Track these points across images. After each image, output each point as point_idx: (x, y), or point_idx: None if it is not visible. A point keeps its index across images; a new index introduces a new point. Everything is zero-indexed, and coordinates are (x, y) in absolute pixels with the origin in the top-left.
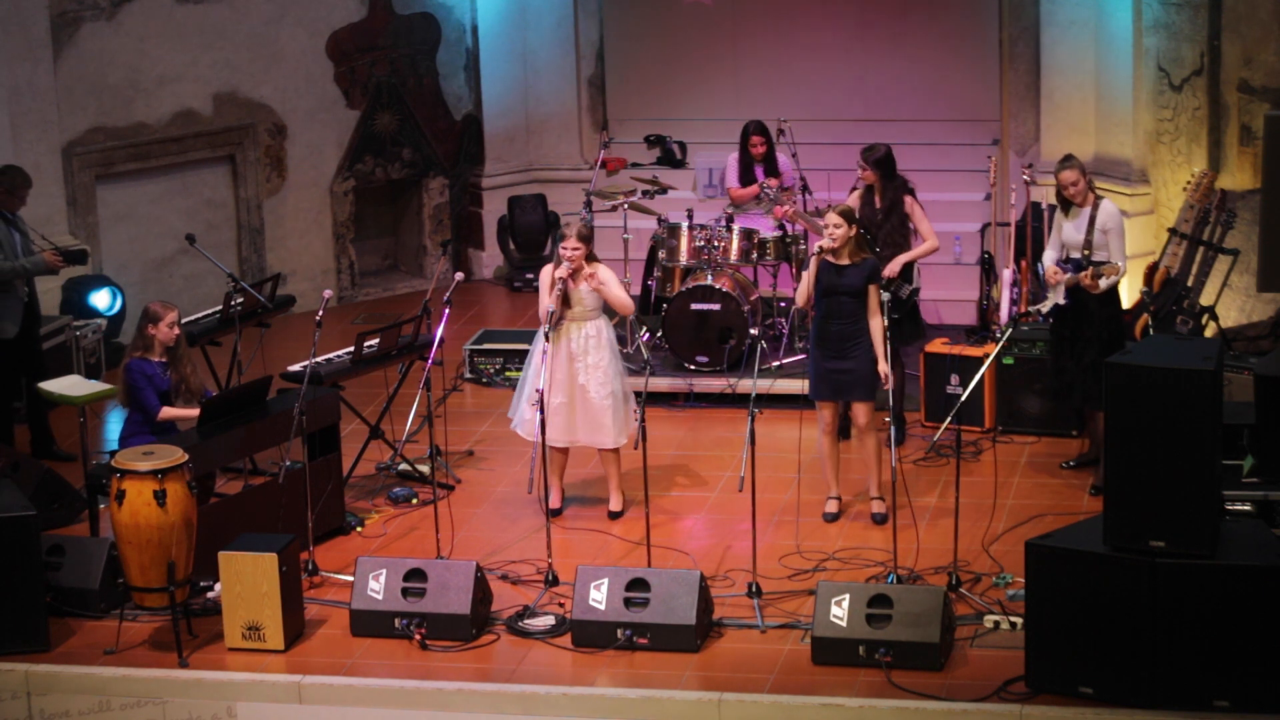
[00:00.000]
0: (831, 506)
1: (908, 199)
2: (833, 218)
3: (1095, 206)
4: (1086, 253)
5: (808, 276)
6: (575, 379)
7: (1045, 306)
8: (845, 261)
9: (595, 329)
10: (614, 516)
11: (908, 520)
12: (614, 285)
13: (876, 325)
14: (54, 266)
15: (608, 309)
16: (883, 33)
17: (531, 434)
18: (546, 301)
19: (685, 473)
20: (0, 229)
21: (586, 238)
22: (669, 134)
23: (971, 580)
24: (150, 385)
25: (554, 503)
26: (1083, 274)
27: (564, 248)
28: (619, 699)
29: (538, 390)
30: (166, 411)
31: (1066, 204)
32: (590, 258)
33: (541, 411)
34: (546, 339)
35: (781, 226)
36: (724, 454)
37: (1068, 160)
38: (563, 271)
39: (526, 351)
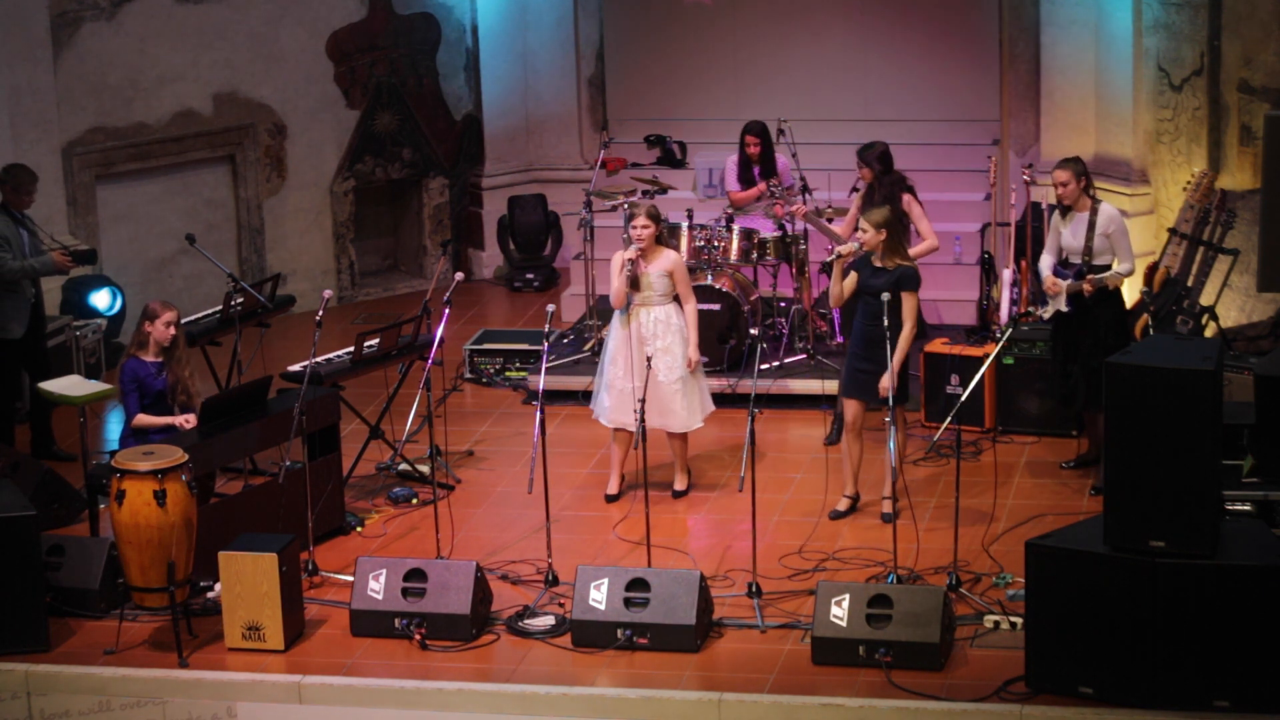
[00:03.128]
0: (842, 504)
1: (905, 197)
2: (863, 222)
3: (1094, 211)
4: (1087, 259)
5: (834, 278)
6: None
7: (1047, 313)
8: (880, 265)
9: (665, 313)
10: (678, 495)
11: (908, 520)
12: (684, 274)
13: (904, 333)
14: (63, 267)
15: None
16: (883, 33)
17: (612, 421)
18: (615, 283)
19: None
20: (9, 228)
21: (656, 217)
22: (669, 134)
23: (971, 580)
24: (137, 389)
25: (611, 489)
26: (1084, 282)
27: (633, 226)
28: (619, 699)
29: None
30: (141, 419)
31: (1065, 207)
32: (660, 241)
33: (541, 411)
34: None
35: (781, 226)
36: (724, 454)
37: (1064, 161)
38: (630, 253)
39: (527, 352)
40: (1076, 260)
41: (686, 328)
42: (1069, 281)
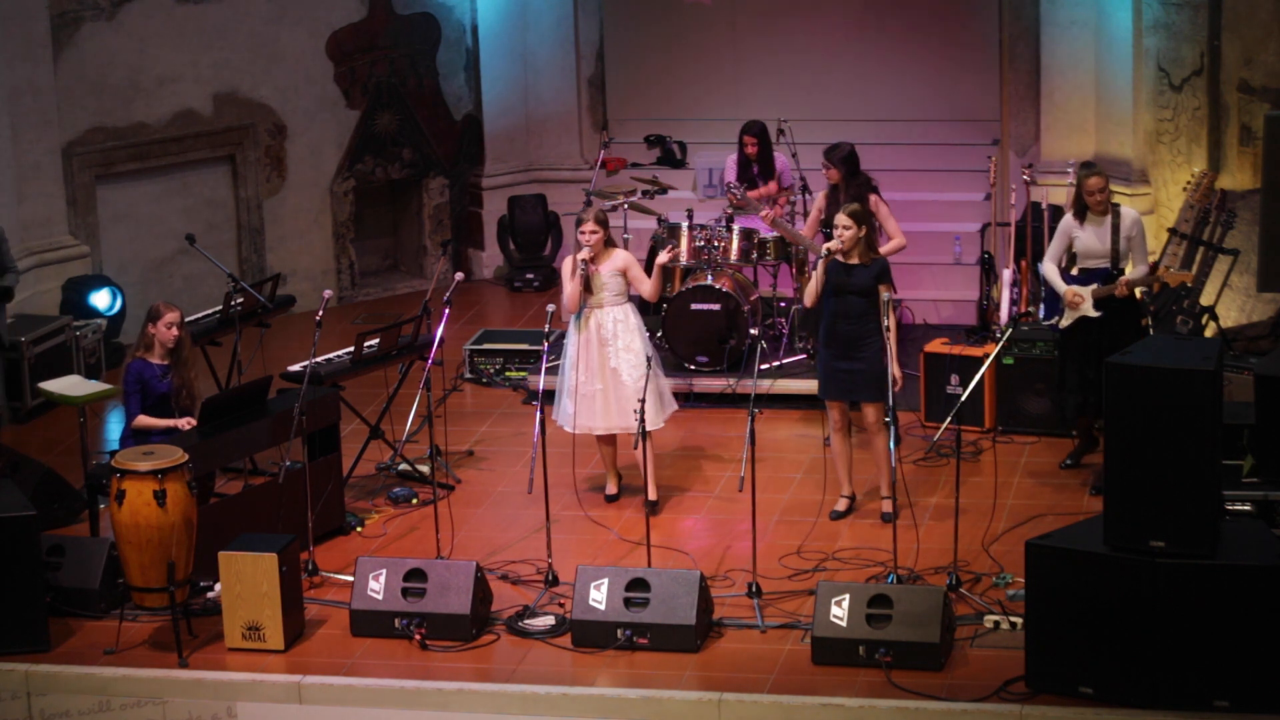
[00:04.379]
0: (841, 505)
1: (872, 198)
2: (842, 218)
3: (1116, 214)
4: (1113, 261)
5: (816, 276)
6: (607, 364)
7: (1066, 321)
8: (855, 261)
9: (623, 313)
10: (651, 505)
11: (908, 520)
12: (638, 270)
13: (892, 323)
14: None
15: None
16: (883, 33)
17: (578, 427)
18: (569, 287)
19: (685, 473)
20: None
21: (604, 222)
22: (669, 134)
23: (971, 580)
24: (140, 390)
25: (610, 489)
26: (1118, 284)
27: (581, 232)
28: (619, 699)
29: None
30: (141, 420)
31: (1083, 210)
32: (609, 243)
33: (541, 411)
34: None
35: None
36: (724, 454)
37: (1093, 166)
38: (583, 254)
39: (527, 352)
40: (1097, 264)
41: (650, 284)
42: (1094, 286)
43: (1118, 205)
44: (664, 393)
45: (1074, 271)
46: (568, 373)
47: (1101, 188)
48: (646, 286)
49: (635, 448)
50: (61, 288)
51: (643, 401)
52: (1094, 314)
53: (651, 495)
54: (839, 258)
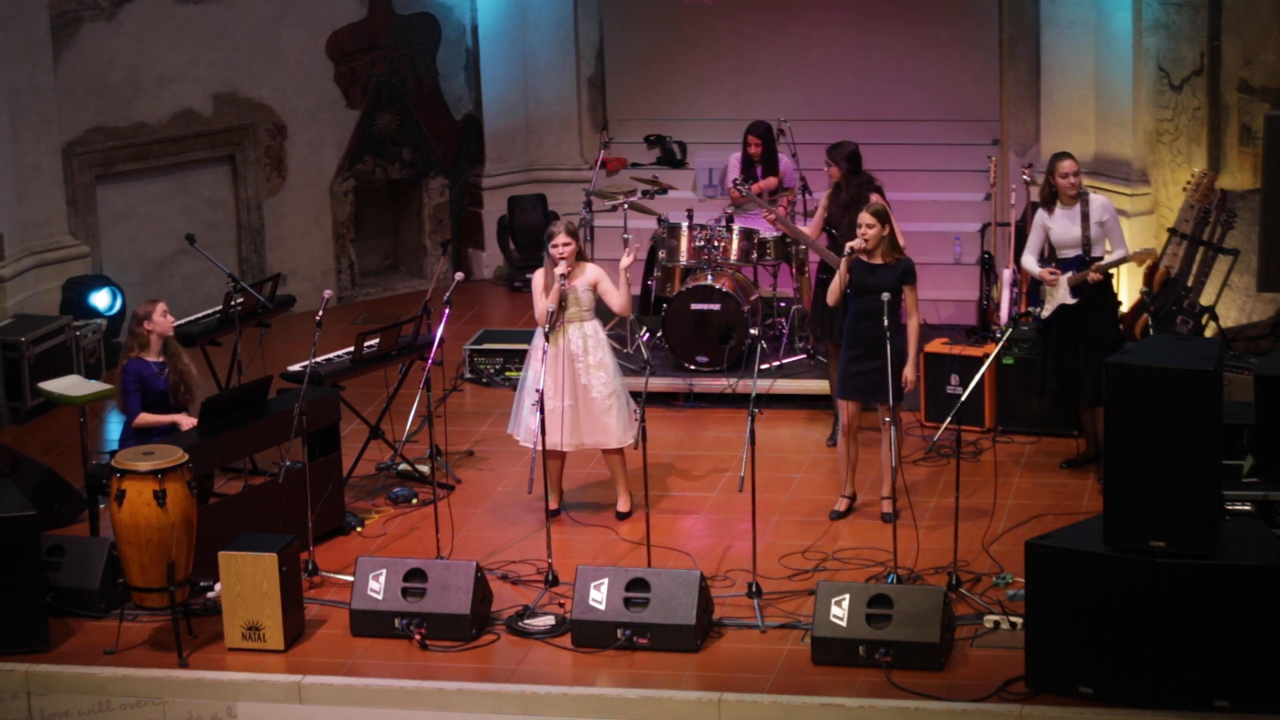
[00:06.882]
0: (841, 505)
1: (874, 197)
2: (865, 217)
3: (1085, 202)
4: (1086, 248)
5: (838, 276)
6: (577, 379)
7: (1046, 311)
8: (878, 261)
9: (593, 328)
10: (622, 517)
11: (908, 520)
12: (609, 283)
13: (913, 326)
14: None
15: (600, 310)
16: (883, 33)
17: (533, 440)
18: (542, 304)
19: (685, 473)
20: None
21: (574, 233)
22: (669, 134)
23: (971, 580)
24: (140, 389)
25: (552, 504)
26: (1089, 271)
27: (554, 245)
28: (619, 699)
29: (537, 390)
30: (143, 418)
31: (1052, 200)
32: (580, 256)
33: (541, 411)
34: (546, 339)
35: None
36: (724, 454)
37: (1065, 154)
38: (561, 269)
39: (526, 351)
40: (1071, 253)
41: (619, 297)
42: (1070, 274)
43: (1086, 193)
44: (624, 413)
45: (1053, 264)
46: (528, 385)
47: (1076, 170)
48: (616, 299)
49: (635, 448)
50: (61, 288)
51: (643, 402)
52: (1070, 301)
53: (623, 507)
54: (862, 257)
